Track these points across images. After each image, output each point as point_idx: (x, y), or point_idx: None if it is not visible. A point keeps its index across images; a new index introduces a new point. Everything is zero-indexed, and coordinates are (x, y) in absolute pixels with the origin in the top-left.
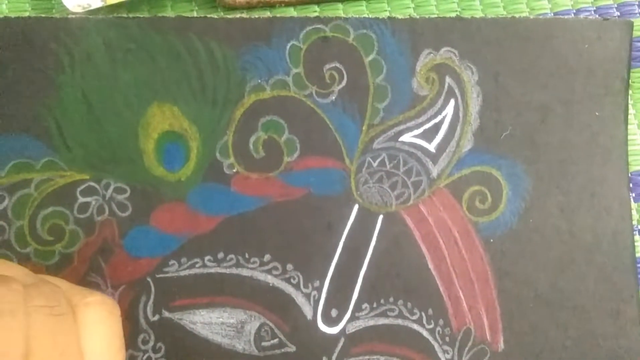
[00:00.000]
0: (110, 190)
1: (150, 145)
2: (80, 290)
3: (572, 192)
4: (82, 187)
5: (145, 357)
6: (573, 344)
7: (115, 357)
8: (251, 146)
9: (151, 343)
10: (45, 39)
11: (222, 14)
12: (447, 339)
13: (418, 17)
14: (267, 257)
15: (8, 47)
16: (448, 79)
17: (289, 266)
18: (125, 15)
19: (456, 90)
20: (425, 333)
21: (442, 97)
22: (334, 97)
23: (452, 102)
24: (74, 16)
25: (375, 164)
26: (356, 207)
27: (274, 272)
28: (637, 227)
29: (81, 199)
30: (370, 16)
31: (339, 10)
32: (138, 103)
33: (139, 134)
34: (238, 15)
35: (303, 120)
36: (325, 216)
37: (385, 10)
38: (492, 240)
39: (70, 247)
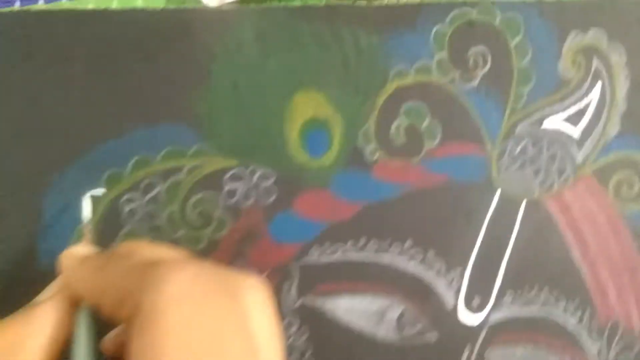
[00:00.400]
0: (256, 177)
1: (294, 132)
2: (236, 272)
3: None
4: (230, 173)
5: (289, 341)
6: None
7: (280, 339)
8: (393, 132)
9: (295, 328)
10: (200, 30)
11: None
12: (594, 329)
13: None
14: (408, 243)
15: (164, 38)
16: (595, 61)
17: (431, 253)
18: (276, 4)
19: (603, 73)
20: (570, 322)
21: (589, 80)
22: (476, 82)
23: (598, 84)
24: (227, 7)
25: (517, 150)
26: (498, 193)
27: (416, 259)
28: None
29: (229, 185)
30: None
31: None
32: (285, 91)
33: (284, 121)
34: (385, 2)
35: (445, 106)
36: (466, 203)
37: None
38: None
39: (218, 232)
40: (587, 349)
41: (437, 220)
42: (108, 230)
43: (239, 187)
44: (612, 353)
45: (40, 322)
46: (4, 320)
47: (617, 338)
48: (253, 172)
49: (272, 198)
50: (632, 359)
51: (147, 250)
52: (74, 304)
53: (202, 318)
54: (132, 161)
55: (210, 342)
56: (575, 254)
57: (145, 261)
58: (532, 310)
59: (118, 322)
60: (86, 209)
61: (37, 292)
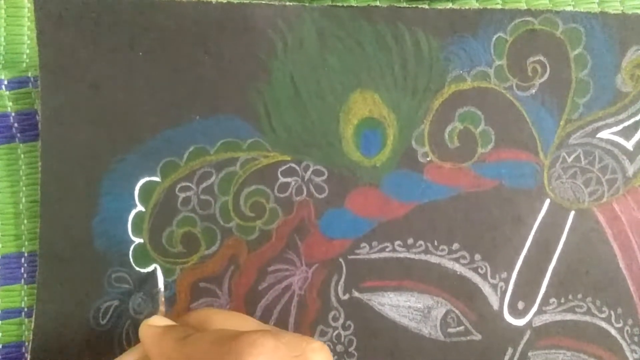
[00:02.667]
0: (309, 172)
1: (349, 130)
2: (300, 336)
3: None
4: (284, 167)
5: (335, 333)
6: None
7: None
8: (446, 136)
9: (341, 320)
10: (263, 25)
11: (428, 3)
12: (635, 338)
13: (630, 12)
14: (455, 245)
15: (226, 31)
16: None
17: (477, 256)
18: (339, 4)
19: None
20: (613, 331)
21: None
22: (534, 91)
23: None
24: (291, 4)
25: (570, 160)
26: (547, 201)
27: (462, 261)
28: None
29: (282, 179)
30: (581, 10)
31: (546, 2)
32: (342, 89)
33: (340, 119)
34: (448, 6)
35: (500, 113)
36: (516, 209)
37: (592, 2)
38: None
39: (270, 224)
40: (628, 356)
41: (486, 224)
42: (162, 217)
43: (292, 181)
44: None
45: None
46: None
47: None
48: (306, 168)
49: (324, 194)
50: None
51: (220, 318)
52: None
53: None
54: (189, 151)
55: None
56: (622, 264)
57: (224, 335)
58: (576, 317)
59: None
60: (160, 278)
61: (89, 272)
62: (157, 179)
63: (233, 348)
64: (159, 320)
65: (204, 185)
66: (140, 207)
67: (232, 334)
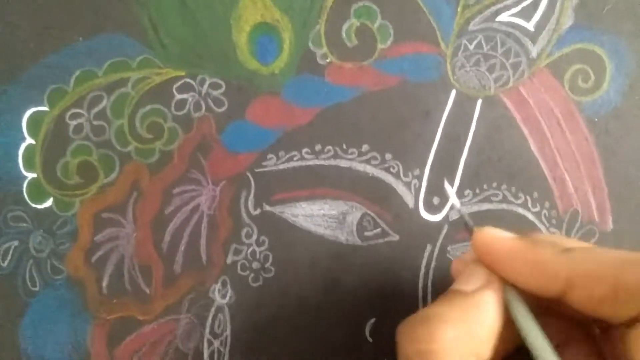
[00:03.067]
0: (205, 86)
1: (243, 38)
2: None
3: None
4: (178, 83)
5: (249, 250)
6: None
7: None
8: (344, 34)
9: (254, 237)
10: None
11: None
12: (553, 221)
13: None
14: (365, 147)
15: None
16: None
17: (388, 155)
18: None
19: None
20: (530, 216)
21: None
22: None
23: None
24: None
25: (471, 47)
26: (453, 92)
27: (373, 162)
28: None
29: (178, 96)
30: None
31: None
32: None
33: (231, 27)
34: None
35: (396, 5)
36: (422, 103)
37: None
38: (596, 120)
39: (170, 144)
40: None
41: (394, 122)
42: (54, 148)
43: (189, 97)
44: None
45: (487, 311)
46: (450, 305)
47: (576, 227)
48: (202, 82)
49: (224, 107)
50: None
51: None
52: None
53: None
54: (75, 75)
55: None
56: (534, 147)
57: (621, 254)
58: (492, 206)
59: (590, 311)
60: (453, 196)
61: None
62: (44, 108)
63: None
64: (500, 232)
65: (96, 110)
66: (29, 140)
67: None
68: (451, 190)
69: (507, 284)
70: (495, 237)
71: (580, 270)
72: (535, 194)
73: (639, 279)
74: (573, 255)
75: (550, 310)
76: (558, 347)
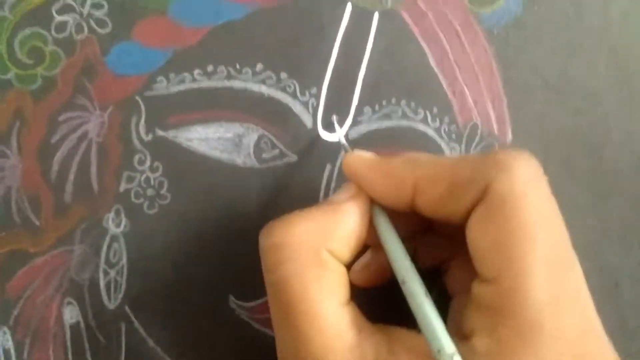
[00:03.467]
0: (87, 7)
1: None
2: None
3: None
4: (58, 5)
5: (143, 177)
6: (584, 130)
7: None
8: None
9: (148, 163)
10: None
11: None
12: (453, 136)
13: None
14: (259, 66)
15: None
16: None
17: (283, 74)
18: None
19: None
20: (430, 132)
21: None
22: None
23: None
24: None
25: None
26: (349, 6)
27: (268, 82)
28: None
29: (58, 18)
30: None
31: None
32: None
33: None
34: None
35: None
36: (317, 18)
37: None
38: (495, 32)
39: (53, 69)
40: (448, 154)
41: (288, 39)
42: None
43: (70, 19)
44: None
45: (347, 216)
46: (312, 209)
47: (476, 141)
48: (83, 2)
49: (108, 28)
50: None
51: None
52: (369, 204)
53: (551, 201)
54: None
55: (560, 223)
56: (433, 62)
57: (467, 156)
58: (392, 123)
59: (435, 212)
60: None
61: None
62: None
63: (492, 162)
64: (364, 153)
65: None
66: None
67: (473, 154)
68: (339, 129)
69: (375, 203)
70: (358, 156)
71: (422, 174)
72: (435, 109)
73: (468, 174)
74: (417, 162)
75: (436, 230)
76: (446, 262)
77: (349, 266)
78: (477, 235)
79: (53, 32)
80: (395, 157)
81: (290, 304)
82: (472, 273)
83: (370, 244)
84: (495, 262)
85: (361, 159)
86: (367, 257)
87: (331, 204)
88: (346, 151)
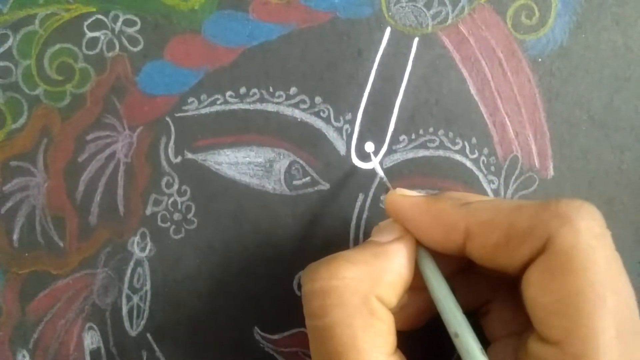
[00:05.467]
0: (119, 23)
1: None
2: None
3: (628, 2)
4: (89, 20)
5: (170, 201)
6: (630, 167)
7: None
8: None
9: (176, 186)
10: None
11: None
12: (492, 168)
13: None
14: (293, 90)
15: None
16: None
17: (318, 99)
18: None
19: None
20: (469, 163)
21: None
22: None
23: None
24: None
25: None
26: (388, 30)
27: (302, 106)
28: None
29: (89, 34)
30: None
31: None
32: None
33: None
34: None
35: None
36: (355, 42)
37: None
38: (540, 60)
39: (82, 86)
40: (485, 187)
41: (324, 62)
42: None
43: (101, 35)
44: (510, 190)
45: (395, 260)
46: (358, 250)
47: (515, 174)
48: (116, 18)
49: (140, 46)
50: (531, 195)
51: (474, 196)
52: (415, 247)
53: (617, 258)
54: None
55: (628, 283)
56: (473, 90)
57: (522, 203)
58: (429, 153)
59: (487, 260)
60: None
61: None
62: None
63: (553, 210)
64: (408, 191)
65: (1, 50)
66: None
67: (532, 202)
68: (378, 164)
69: (420, 245)
70: (402, 195)
71: (476, 220)
72: (474, 140)
73: (527, 224)
74: (470, 206)
75: (475, 271)
76: (485, 305)
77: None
78: (538, 293)
79: (84, 48)
80: (443, 198)
81: (336, 352)
82: (517, 320)
83: (413, 285)
84: (561, 324)
85: (406, 199)
86: (404, 298)
87: (377, 245)
88: (387, 189)
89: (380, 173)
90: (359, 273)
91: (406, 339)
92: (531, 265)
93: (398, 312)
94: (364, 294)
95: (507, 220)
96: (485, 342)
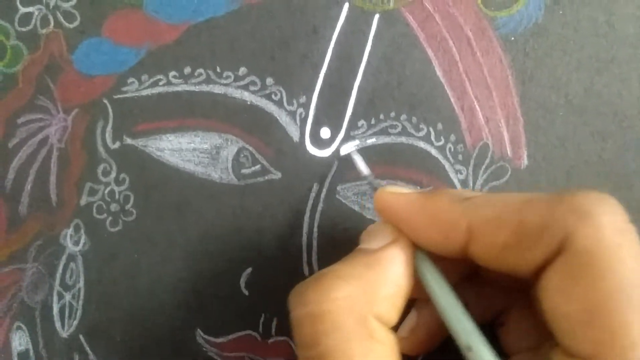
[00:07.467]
0: None
1: None
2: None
3: None
4: None
5: (107, 190)
6: (611, 157)
7: None
8: None
9: (113, 174)
10: None
11: None
12: (459, 157)
13: None
14: (242, 70)
15: None
16: None
17: (269, 80)
18: None
19: None
20: (434, 151)
21: None
22: None
23: None
24: None
25: None
26: (346, 5)
27: (252, 88)
28: None
29: (22, 9)
30: None
31: None
32: None
33: None
34: None
35: None
36: (310, 18)
37: None
38: (513, 39)
39: (14, 65)
40: (452, 177)
41: (276, 41)
42: None
43: (35, 11)
44: (480, 181)
45: (391, 269)
46: (347, 263)
47: (485, 164)
48: None
49: (76, 22)
50: (503, 187)
51: (471, 192)
52: (412, 251)
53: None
54: None
55: None
56: (439, 72)
57: (533, 195)
58: (390, 140)
59: (494, 263)
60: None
61: None
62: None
63: (577, 204)
64: (399, 188)
65: None
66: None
67: (543, 195)
68: (360, 160)
69: (418, 248)
70: (393, 193)
71: (479, 217)
72: (440, 126)
73: (540, 220)
74: (471, 201)
75: (485, 278)
76: (501, 315)
77: (395, 327)
78: (560, 301)
79: (16, 24)
80: (440, 194)
81: None
82: (538, 331)
83: (414, 296)
84: (591, 336)
85: (399, 196)
86: (412, 318)
87: (368, 254)
88: (375, 186)
89: (364, 170)
90: (351, 290)
91: None
92: (548, 269)
93: (409, 335)
94: (360, 314)
95: (516, 217)
96: (502, 357)
